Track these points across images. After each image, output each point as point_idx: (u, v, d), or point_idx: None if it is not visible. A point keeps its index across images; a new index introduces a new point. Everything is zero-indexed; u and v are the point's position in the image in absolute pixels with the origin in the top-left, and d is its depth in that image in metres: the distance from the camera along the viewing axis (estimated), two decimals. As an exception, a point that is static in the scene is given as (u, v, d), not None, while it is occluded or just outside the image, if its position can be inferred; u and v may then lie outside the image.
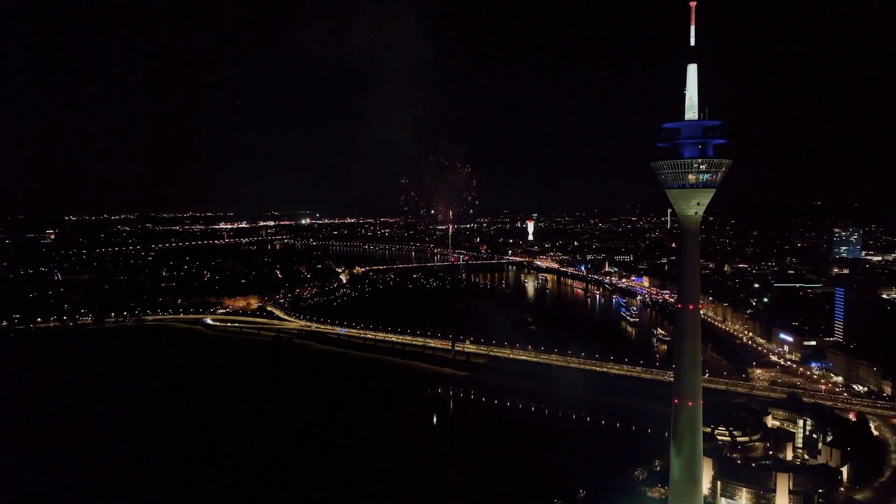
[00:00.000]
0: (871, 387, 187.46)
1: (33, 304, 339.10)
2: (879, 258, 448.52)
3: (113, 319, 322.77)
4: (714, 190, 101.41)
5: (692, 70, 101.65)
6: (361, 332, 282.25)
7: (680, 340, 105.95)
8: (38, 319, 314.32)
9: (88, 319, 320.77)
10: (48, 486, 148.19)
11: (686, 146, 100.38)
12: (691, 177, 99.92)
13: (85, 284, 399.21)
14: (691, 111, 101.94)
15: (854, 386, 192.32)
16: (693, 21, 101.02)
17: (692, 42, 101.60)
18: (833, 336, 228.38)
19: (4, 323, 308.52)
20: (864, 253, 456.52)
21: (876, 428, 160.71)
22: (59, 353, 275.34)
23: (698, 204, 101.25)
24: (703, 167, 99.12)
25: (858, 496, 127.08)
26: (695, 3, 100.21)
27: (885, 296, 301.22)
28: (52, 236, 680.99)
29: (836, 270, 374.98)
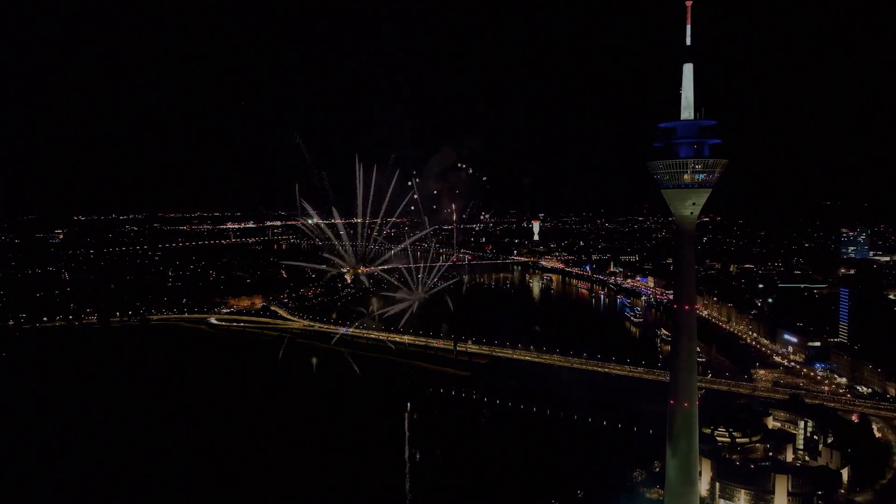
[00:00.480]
0: (875, 388, 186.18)
1: (40, 303, 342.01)
2: (888, 258, 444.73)
3: (118, 319, 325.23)
4: (710, 190, 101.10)
5: (688, 69, 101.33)
6: (364, 331, 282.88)
7: (675, 341, 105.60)
8: (44, 319, 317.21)
9: (94, 319, 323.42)
10: (50, 485, 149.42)
11: (682, 146, 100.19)
12: (687, 177, 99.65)
13: (91, 284, 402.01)
14: (687, 111, 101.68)
15: (858, 387, 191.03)
16: (689, 20, 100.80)
17: (688, 41, 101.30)
18: (838, 337, 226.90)
19: (11, 322, 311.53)
20: (872, 253, 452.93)
21: (879, 430, 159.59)
22: (61, 352, 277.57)
23: (694, 204, 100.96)
24: (698, 167, 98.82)
25: (858, 498, 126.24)
26: (690, 2, 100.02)
27: (891, 296, 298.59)
28: (61, 236, 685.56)
29: (842, 271, 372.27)
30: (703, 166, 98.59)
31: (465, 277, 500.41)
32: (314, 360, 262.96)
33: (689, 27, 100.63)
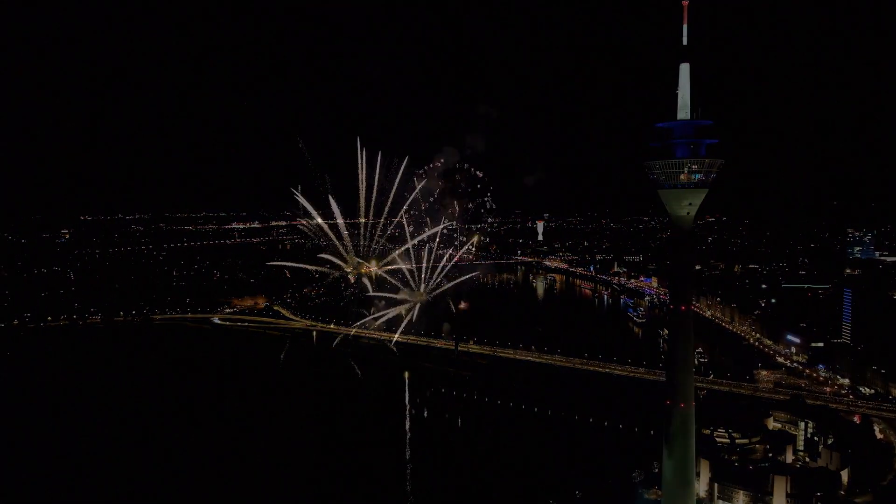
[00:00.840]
0: (878, 389, 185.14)
1: (44, 302, 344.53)
2: (894, 259, 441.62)
3: (121, 318, 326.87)
4: (707, 190, 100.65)
5: (684, 69, 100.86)
6: (365, 331, 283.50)
7: (672, 341, 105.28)
8: (49, 318, 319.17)
9: (97, 318, 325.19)
10: (50, 485, 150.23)
11: (678, 146, 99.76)
12: (683, 177, 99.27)
13: (96, 283, 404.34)
14: (684, 110, 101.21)
15: (860, 388, 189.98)
16: (685, 20, 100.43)
17: (684, 41, 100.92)
18: (841, 338, 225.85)
19: (15, 322, 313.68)
20: (877, 254, 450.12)
21: (881, 431, 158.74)
22: (64, 351, 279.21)
23: (690, 204, 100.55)
24: (694, 167, 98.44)
25: (858, 500, 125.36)
26: (687, 1, 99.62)
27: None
28: (67, 236, 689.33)
29: (847, 271, 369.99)
30: (699, 166, 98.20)
31: (477, 275, 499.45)
32: (315, 361, 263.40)
33: (685, 27, 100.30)
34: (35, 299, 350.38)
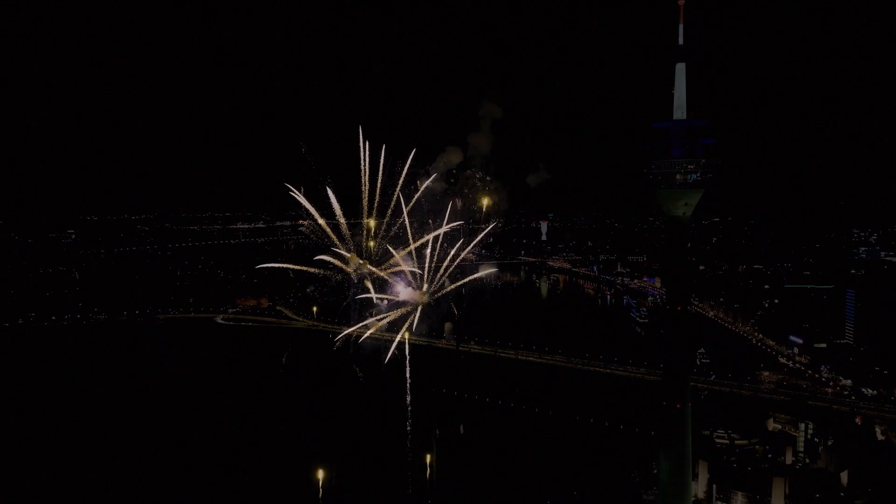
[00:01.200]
0: (880, 390, 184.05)
1: (50, 302, 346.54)
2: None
3: (125, 317, 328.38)
4: (703, 190, 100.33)
5: (681, 69, 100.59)
6: (365, 331, 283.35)
7: (668, 341, 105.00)
8: (53, 317, 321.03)
9: (102, 317, 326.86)
10: (52, 484, 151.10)
11: (674, 146, 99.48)
12: (679, 177, 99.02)
13: (101, 283, 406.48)
14: (680, 111, 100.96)
15: (863, 389, 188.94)
16: (682, 19, 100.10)
17: (680, 41, 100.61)
18: (844, 338, 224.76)
19: (20, 321, 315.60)
20: (883, 254, 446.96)
21: (882, 432, 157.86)
22: (68, 350, 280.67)
23: (686, 204, 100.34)
24: (690, 167, 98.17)
25: (858, 502, 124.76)
26: (683, 1, 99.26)
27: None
28: (73, 236, 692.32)
29: (853, 272, 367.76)
30: (695, 166, 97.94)
31: (481, 276, 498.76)
32: (316, 361, 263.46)
33: (681, 26, 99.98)
34: (40, 299, 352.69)
